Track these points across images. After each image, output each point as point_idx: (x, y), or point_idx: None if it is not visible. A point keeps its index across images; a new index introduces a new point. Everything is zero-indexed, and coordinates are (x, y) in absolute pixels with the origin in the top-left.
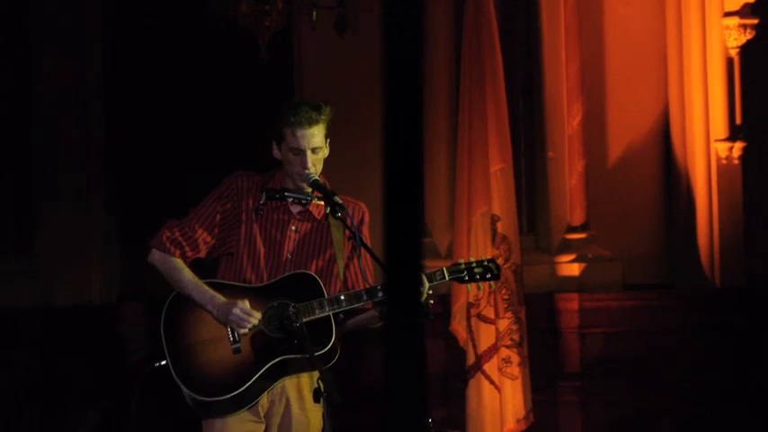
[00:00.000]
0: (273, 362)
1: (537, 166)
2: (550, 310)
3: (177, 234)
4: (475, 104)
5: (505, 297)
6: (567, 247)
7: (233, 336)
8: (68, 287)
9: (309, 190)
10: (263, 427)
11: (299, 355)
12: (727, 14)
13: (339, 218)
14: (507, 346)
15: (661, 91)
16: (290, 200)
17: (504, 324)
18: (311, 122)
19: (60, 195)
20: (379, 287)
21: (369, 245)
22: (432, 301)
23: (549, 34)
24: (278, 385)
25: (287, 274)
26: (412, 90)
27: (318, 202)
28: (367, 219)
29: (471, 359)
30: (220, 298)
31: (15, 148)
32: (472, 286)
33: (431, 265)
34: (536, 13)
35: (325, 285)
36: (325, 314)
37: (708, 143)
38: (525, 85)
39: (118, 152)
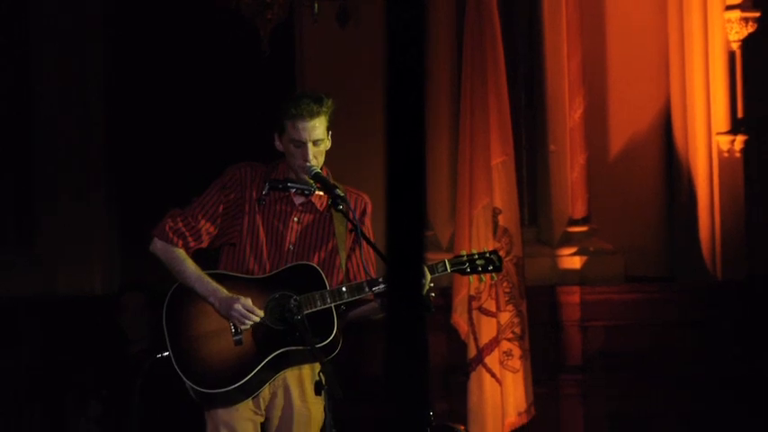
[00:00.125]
0: (275, 354)
1: (538, 159)
2: (552, 303)
3: (180, 224)
4: (477, 94)
5: (507, 290)
6: (568, 240)
7: (235, 327)
8: (70, 277)
9: (311, 182)
10: (261, 419)
11: (300, 347)
12: (729, 8)
13: (341, 210)
14: (509, 339)
15: (662, 84)
16: (293, 191)
17: (505, 317)
18: (312, 115)
19: (61, 185)
20: (380, 279)
21: (371, 236)
22: (433, 294)
23: (551, 27)
24: (279, 377)
25: (289, 265)
26: (414, 82)
27: (321, 194)
28: (369, 210)
29: (473, 352)
30: (223, 291)
31: (16, 145)
32: (474, 278)
33: (432, 258)
34: (538, 7)
35: (327, 277)
36: (327, 306)
37: (709, 136)
38: (527, 79)
39: (119, 142)
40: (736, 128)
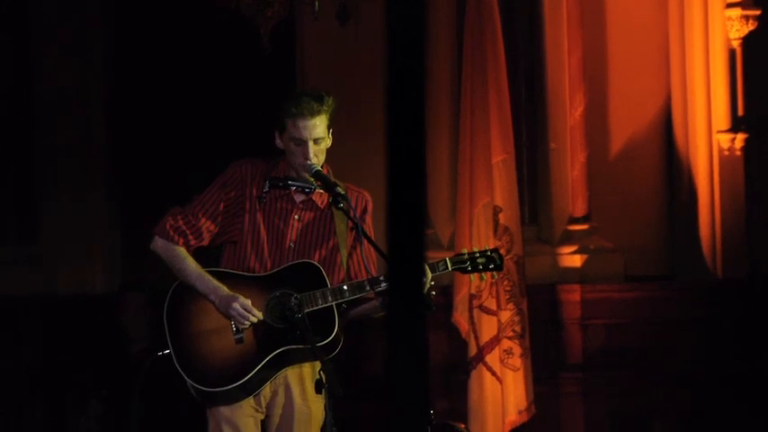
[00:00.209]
0: (276, 352)
1: (539, 157)
2: (552, 302)
3: (181, 222)
4: (477, 93)
5: (507, 288)
6: (568, 238)
7: (236, 325)
8: (70, 277)
9: (312, 180)
10: (262, 416)
11: (301, 346)
12: (730, 6)
13: (341, 208)
14: (509, 338)
15: (663, 82)
16: (294, 189)
17: (505, 315)
18: (313, 113)
19: (62, 183)
20: (381, 277)
21: (372, 233)
22: (434, 293)
23: (551, 25)
24: (280, 375)
25: (290, 263)
26: (414, 80)
27: (322, 191)
28: (370, 207)
29: (473, 350)
30: (223, 289)
31: (16, 145)
32: (475, 276)
33: (433, 256)
34: (538, 3)
35: (328, 275)
36: (328, 304)
37: (710, 134)
38: (527, 76)
39: (120, 142)
40: (736, 126)
